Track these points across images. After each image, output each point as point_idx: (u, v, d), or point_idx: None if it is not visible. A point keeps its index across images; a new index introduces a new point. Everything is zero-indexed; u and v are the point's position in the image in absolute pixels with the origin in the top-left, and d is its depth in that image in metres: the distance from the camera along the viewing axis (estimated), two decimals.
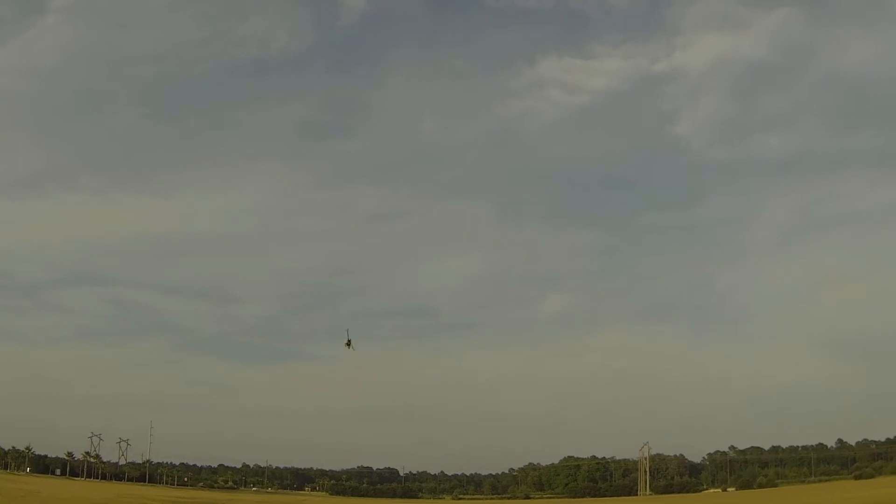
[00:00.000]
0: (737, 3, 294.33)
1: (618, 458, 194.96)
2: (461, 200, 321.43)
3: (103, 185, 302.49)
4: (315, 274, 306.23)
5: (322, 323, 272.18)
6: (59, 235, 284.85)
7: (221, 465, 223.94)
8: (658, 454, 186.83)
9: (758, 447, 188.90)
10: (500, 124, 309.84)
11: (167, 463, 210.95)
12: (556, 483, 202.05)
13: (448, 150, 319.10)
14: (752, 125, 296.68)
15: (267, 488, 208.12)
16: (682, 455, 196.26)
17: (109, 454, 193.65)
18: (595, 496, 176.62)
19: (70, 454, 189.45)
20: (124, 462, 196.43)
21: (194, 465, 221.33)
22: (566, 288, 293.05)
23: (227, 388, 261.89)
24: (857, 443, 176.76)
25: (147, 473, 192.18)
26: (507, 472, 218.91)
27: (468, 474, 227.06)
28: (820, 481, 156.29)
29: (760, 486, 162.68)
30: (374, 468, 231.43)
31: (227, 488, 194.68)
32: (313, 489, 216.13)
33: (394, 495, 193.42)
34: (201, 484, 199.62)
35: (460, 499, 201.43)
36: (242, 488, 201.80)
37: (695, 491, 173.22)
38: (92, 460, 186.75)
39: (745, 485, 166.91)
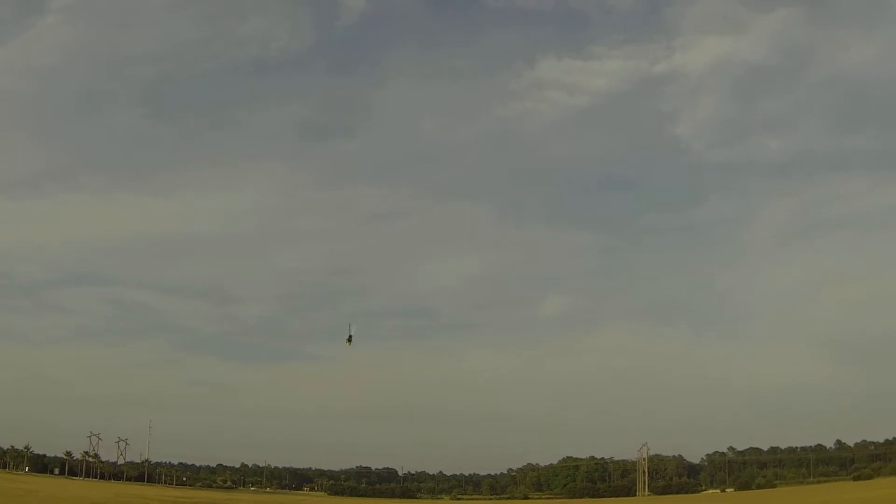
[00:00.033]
0: (737, 5, 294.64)
1: (616, 458, 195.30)
2: (461, 201, 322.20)
3: (103, 185, 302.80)
4: (315, 274, 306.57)
5: (322, 323, 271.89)
6: (59, 235, 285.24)
7: (220, 465, 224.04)
8: (657, 455, 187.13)
9: (756, 448, 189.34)
10: (500, 125, 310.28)
11: (166, 462, 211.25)
12: (554, 483, 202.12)
13: (448, 151, 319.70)
14: (752, 126, 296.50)
15: (265, 488, 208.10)
16: (680, 456, 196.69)
17: (108, 454, 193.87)
18: (594, 497, 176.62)
19: (69, 453, 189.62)
20: (123, 462, 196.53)
21: (193, 465, 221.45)
22: (566, 288, 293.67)
23: (227, 388, 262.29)
24: (856, 444, 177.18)
25: (146, 473, 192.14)
26: (505, 472, 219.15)
27: (467, 474, 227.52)
28: (818, 482, 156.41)
29: (759, 486, 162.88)
30: (373, 468, 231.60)
31: (226, 488, 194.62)
32: (312, 489, 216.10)
33: (392, 495, 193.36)
34: (200, 484, 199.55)
35: (459, 499, 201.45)
36: (241, 488, 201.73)
37: (693, 492, 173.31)
38: (91, 460, 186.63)
39: (744, 485, 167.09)
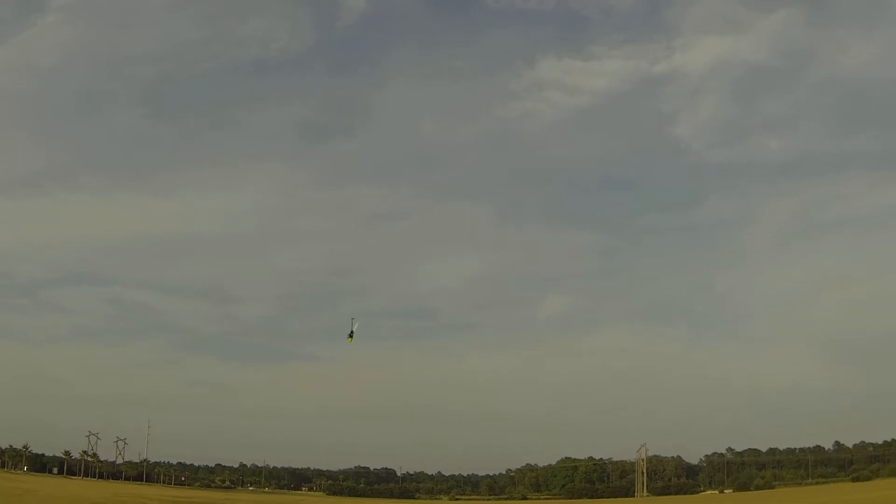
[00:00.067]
0: (737, 5, 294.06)
1: (615, 459, 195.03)
2: (461, 201, 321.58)
3: (103, 184, 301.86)
4: (315, 274, 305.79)
5: (322, 323, 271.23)
6: (58, 235, 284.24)
7: (219, 465, 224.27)
8: (655, 455, 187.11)
9: (755, 449, 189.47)
10: (500, 125, 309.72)
11: (164, 462, 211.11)
12: (553, 484, 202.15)
13: (448, 151, 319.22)
14: (752, 127, 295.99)
15: (264, 488, 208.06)
16: (679, 457, 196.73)
17: (107, 453, 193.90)
18: (592, 497, 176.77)
19: (67, 453, 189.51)
20: (122, 461, 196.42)
21: (191, 465, 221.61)
22: (566, 289, 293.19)
23: (227, 388, 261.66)
24: (855, 445, 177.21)
25: (144, 473, 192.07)
26: (504, 472, 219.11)
27: (465, 475, 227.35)
28: (817, 483, 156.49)
29: (757, 487, 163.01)
30: (372, 468, 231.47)
31: (224, 488, 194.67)
32: (310, 489, 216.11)
33: (391, 495, 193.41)
34: (198, 483, 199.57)
35: (457, 499, 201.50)
36: (239, 488, 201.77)
37: (692, 492, 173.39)
38: (89, 459, 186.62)
39: (742, 486, 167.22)
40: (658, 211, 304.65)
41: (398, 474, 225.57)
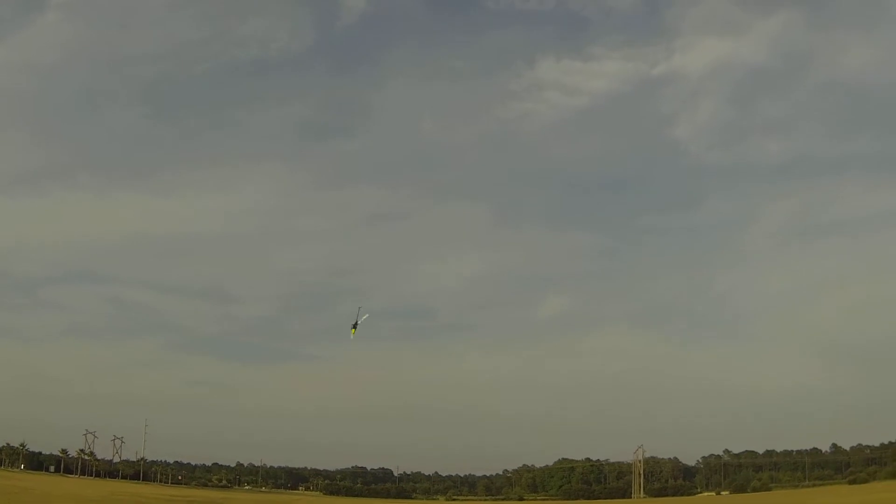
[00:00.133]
0: (736, 7, 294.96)
1: (612, 460, 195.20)
2: (461, 201, 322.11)
3: (103, 184, 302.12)
4: (315, 274, 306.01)
5: (322, 323, 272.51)
6: (57, 233, 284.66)
7: (216, 464, 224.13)
8: (652, 457, 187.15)
9: (752, 451, 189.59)
10: (500, 125, 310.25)
11: (161, 461, 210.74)
12: (550, 485, 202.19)
13: (448, 151, 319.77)
14: (752, 129, 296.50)
15: (261, 487, 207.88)
16: (676, 458, 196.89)
17: (104, 452, 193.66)
18: (589, 498, 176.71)
19: (64, 451, 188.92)
20: (118, 460, 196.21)
21: (188, 464, 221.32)
22: (565, 289, 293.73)
23: (226, 387, 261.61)
24: (852, 447, 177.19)
25: (141, 471, 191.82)
26: (501, 473, 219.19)
27: (462, 475, 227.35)
28: (814, 485, 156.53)
29: (754, 489, 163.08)
30: (369, 468, 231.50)
31: (221, 487, 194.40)
32: (307, 489, 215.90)
33: (388, 495, 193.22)
34: (195, 483, 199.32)
35: (454, 499, 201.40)
36: (236, 487, 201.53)
37: (689, 494, 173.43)
38: (86, 458, 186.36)
39: (739, 488, 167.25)
40: (657, 212, 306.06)
41: (395, 474, 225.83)
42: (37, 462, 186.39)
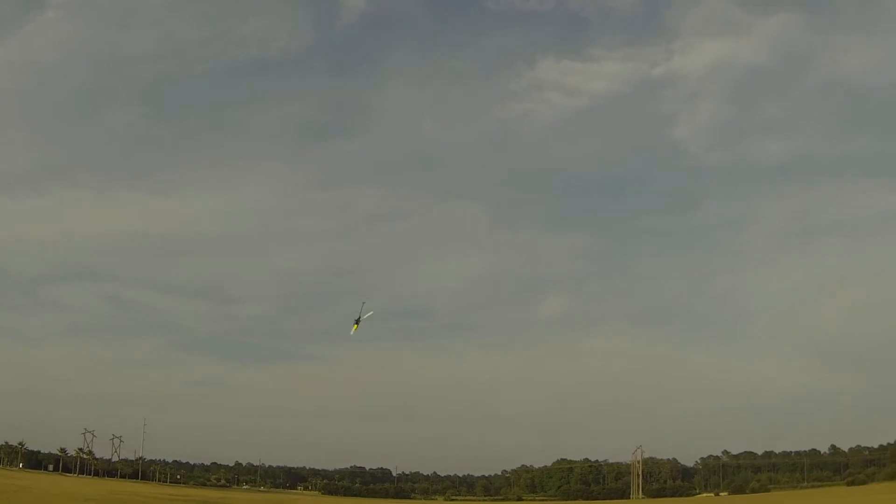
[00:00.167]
0: (736, 8, 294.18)
1: (611, 461, 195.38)
2: (461, 201, 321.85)
3: (102, 183, 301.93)
4: (315, 274, 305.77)
5: (322, 323, 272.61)
6: (57, 232, 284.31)
7: (214, 464, 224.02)
8: (651, 458, 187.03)
9: (751, 452, 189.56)
10: (500, 126, 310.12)
11: (160, 460, 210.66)
12: (548, 485, 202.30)
13: (448, 151, 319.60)
14: (751, 130, 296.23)
15: (259, 487, 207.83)
16: (674, 459, 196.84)
17: (102, 451, 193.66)
18: (587, 499, 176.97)
19: (63, 450, 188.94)
20: (117, 459, 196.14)
21: (187, 463, 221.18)
22: (565, 290, 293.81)
23: (225, 387, 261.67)
24: (850, 449, 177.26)
25: (140, 470, 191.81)
26: (499, 473, 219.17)
27: (461, 475, 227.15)
28: (812, 487, 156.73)
29: (753, 490, 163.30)
30: (367, 468, 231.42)
31: (220, 486, 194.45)
32: (306, 488, 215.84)
33: (386, 495, 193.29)
34: (193, 482, 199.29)
35: (452, 500, 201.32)
36: (235, 486, 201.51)
37: (687, 495, 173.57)
38: (85, 456, 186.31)
39: (738, 489, 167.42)
40: (657, 212, 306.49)
41: (394, 474, 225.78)
42: (35, 461, 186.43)
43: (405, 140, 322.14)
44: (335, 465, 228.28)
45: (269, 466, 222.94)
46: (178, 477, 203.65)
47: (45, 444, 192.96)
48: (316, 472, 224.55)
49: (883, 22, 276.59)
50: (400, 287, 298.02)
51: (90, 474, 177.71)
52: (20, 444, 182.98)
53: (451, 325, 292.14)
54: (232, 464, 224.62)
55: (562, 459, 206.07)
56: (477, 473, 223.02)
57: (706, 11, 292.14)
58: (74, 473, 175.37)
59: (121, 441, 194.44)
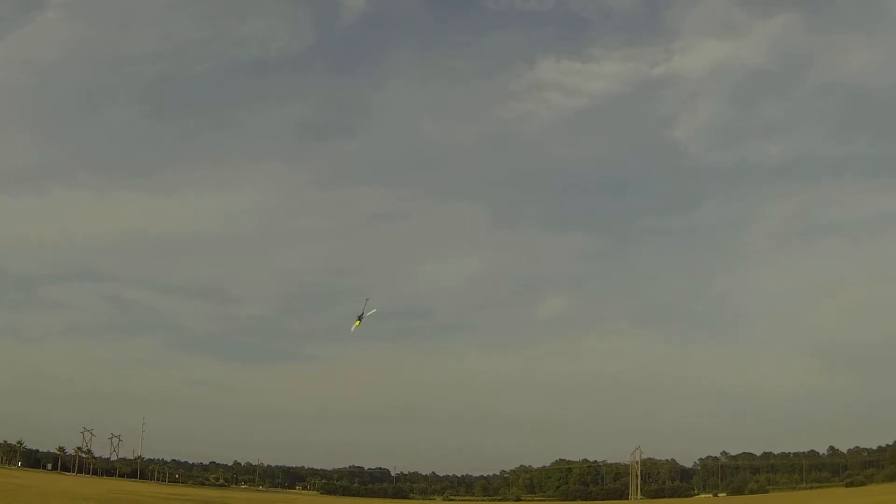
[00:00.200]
0: (736, 9, 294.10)
1: (609, 461, 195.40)
2: (461, 201, 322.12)
3: (102, 183, 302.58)
4: (315, 274, 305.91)
5: (322, 323, 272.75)
6: (57, 231, 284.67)
7: (213, 463, 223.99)
8: (649, 458, 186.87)
9: (749, 453, 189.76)
10: (500, 126, 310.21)
11: (159, 459, 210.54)
12: (547, 486, 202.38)
13: (448, 151, 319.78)
14: (751, 131, 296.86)
15: (258, 486, 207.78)
16: (673, 460, 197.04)
17: (101, 450, 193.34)
18: (586, 499, 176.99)
19: (62, 449, 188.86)
20: (116, 458, 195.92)
21: (186, 462, 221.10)
22: (564, 290, 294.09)
23: (225, 387, 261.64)
24: (849, 450, 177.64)
25: (138, 470, 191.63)
26: (498, 473, 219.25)
27: (459, 475, 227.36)
28: (811, 488, 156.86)
29: (752, 491, 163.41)
30: (366, 468, 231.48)
31: (218, 486, 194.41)
32: (304, 488, 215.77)
33: (385, 495, 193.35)
34: (192, 481, 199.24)
35: (451, 500, 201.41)
36: (233, 486, 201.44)
37: (686, 496, 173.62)
38: (83, 455, 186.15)
39: (737, 490, 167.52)
40: (657, 213, 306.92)
41: (392, 474, 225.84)
42: (34, 459, 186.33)
43: (405, 140, 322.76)
44: (334, 464, 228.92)
45: (268, 466, 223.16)
46: (177, 476, 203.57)
47: (44, 443, 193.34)
48: (314, 472, 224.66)
49: (883, 22, 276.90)
50: (400, 287, 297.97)
51: (89, 473, 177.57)
52: (19, 442, 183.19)
53: (451, 325, 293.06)
54: (230, 463, 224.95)
55: (560, 460, 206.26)
56: (475, 473, 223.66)
57: (706, 12, 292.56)
58: (73, 472, 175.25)
59: (119, 440, 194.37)
